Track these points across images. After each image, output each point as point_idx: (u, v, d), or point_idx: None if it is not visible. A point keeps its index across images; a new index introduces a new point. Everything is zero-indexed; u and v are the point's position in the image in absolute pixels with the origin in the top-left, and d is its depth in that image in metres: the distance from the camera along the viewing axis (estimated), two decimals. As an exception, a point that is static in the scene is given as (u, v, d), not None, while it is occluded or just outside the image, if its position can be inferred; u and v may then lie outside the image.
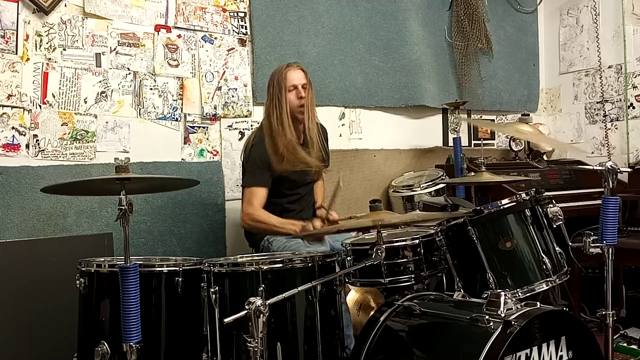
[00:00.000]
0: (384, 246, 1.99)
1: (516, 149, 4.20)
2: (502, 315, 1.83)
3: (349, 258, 2.27)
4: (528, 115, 4.41)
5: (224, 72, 3.26)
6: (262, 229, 2.65)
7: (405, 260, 2.23)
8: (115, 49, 2.96)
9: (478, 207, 2.25)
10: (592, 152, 4.22)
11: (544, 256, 2.18)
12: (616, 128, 4.08)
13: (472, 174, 3.13)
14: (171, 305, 2.16)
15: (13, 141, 2.72)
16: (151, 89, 3.06)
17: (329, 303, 2.06)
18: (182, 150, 3.15)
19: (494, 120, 4.40)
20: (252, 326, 1.63)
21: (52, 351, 2.56)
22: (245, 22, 3.33)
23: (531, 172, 3.75)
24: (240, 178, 3.19)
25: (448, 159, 3.90)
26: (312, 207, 2.90)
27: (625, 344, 3.10)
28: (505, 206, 2.21)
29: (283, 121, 2.66)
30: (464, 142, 4.14)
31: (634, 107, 3.99)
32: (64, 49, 2.84)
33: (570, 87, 4.40)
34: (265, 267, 1.97)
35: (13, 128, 2.72)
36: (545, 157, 4.08)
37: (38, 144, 2.78)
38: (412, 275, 2.22)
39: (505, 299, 1.87)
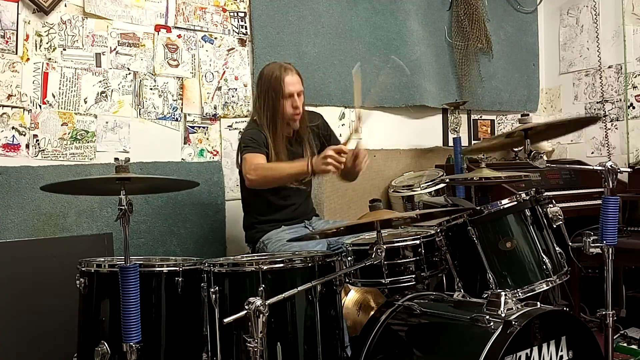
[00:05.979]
0: (384, 246, 1.99)
1: (516, 149, 4.20)
2: (503, 315, 1.83)
3: (349, 258, 2.27)
4: (528, 115, 4.40)
5: (224, 72, 3.26)
6: (271, 177, 2.54)
7: (406, 260, 2.23)
8: (115, 49, 2.96)
9: (478, 207, 2.25)
10: (592, 152, 4.22)
11: (544, 256, 2.18)
12: (616, 128, 4.08)
13: (472, 174, 3.13)
14: (171, 305, 2.15)
15: (13, 141, 2.72)
16: (151, 89, 3.06)
17: (329, 303, 2.06)
18: (182, 150, 3.15)
19: (493, 120, 4.40)
20: (252, 326, 1.63)
21: (52, 351, 2.56)
22: (245, 22, 3.33)
23: (531, 172, 3.73)
24: (240, 178, 3.19)
25: (448, 159, 3.90)
26: (307, 201, 2.90)
27: (625, 344, 3.10)
28: (505, 206, 2.21)
29: (276, 124, 2.65)
30: (464, 142, 4.14)
31: (634, 107, 3.98)
32: (64, 49, 2.84)
33: (570, 87, 4.40)
34: (265, 267, 1.96)
35: (13, 128, 2.72)
36: (545, 157, 4.07)
37: (38, 144, 2.78)
38: (413, 276, 2.22)
39: (505, 299, 1.87)
